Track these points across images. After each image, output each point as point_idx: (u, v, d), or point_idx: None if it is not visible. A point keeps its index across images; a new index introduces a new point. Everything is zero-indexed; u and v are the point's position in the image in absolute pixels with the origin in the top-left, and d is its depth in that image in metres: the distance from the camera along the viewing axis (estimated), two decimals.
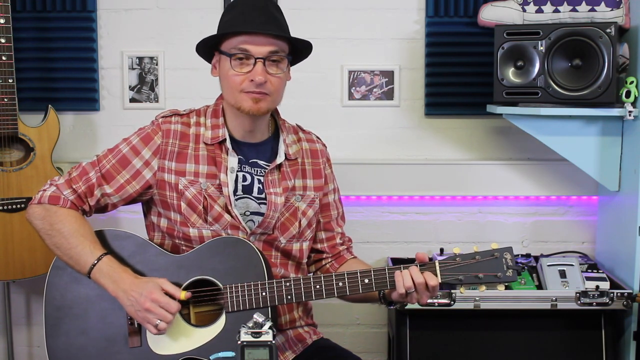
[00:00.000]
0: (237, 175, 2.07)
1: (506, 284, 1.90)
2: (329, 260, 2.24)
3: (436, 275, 1.89)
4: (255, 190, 2.09)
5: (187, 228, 2.05)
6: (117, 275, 1.94)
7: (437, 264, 1.90)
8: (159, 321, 1.88)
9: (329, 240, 2.24)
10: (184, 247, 2.07)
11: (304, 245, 2.16)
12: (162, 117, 2.11)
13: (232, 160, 2.07)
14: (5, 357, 3.10)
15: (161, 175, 2.06)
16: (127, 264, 1.99)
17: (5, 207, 2.79)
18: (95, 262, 1.95)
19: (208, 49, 2.09)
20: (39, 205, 2.05)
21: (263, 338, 1.67)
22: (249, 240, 2.01)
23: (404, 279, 1.90)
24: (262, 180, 2.09)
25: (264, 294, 1.93)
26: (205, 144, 2.07)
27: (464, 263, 1.90)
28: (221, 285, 1.95)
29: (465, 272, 1.89)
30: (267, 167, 2.10)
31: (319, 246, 2.23)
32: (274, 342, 1.67)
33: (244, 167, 2.09)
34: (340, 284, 1.94)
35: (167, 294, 1.91)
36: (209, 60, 2.13)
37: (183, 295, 1.92)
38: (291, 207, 2.12)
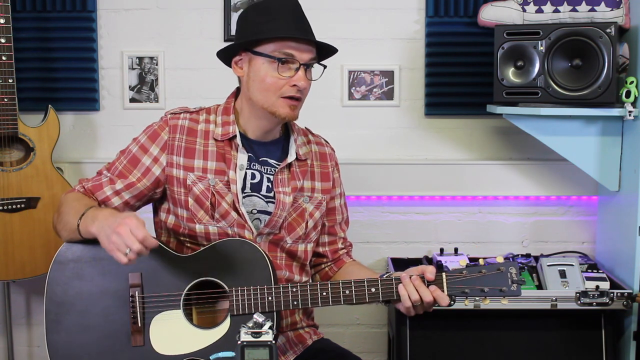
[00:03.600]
0: (245, 173, 2.08)
1: (510, 297, 1.91)
2: (329, 264, 2.25)
3: (442, 289, 1.89)
4: (264, 188, 2.09)
5: (194, 224, 2.05)
6: (100, 213, 1.90)
7: (444, 276, 1.91)
8: (128, 250, 1.77)
9: (331, 244, 2.24)
10: (188, 244, 2.08)
11: (309, 246, 2.16)
12: (171, 113, 2.12)
13: (242, 158, 2.07)
14: (5, 357, 3.10)
15: (170, 171, 2.07)
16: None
17: (5, 207, 2.79)
18: (84, 212, 1.93)
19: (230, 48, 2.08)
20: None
21: (263, 338, 1.67)
22: (256, 243, 2.01)
23: (410, 294, 1.88)
24: (272, 179, 2.09)
25: (270, 298, 1.93)
26: (215, 140, 2.08)
27: (470, 277, 1.90)
28: (227, 288, 1.95)
29: (471, 285, 1.90)
30: (277, 166, 2.10)
31: (320, 250, 2.23)
32: (274, 342, 1.67)
33: (253, 165, 2.09)
34: (347, 292, 1.93)
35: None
36: (226, 61, 2.11)
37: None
38: (299, 207, 2.12)
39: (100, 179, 2.10)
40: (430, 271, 1.90)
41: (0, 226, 2.79)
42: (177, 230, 2.10)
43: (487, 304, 1.91)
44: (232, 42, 2.10)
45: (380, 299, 1.93)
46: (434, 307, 1.93)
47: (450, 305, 1.90)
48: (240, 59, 2.07)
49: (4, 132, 2.75)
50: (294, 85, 1.99)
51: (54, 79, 3.05)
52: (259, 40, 2.01)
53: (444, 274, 1.91)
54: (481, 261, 1.93)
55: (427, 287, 1.89)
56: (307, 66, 2.02)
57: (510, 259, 2.91)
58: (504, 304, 1.92)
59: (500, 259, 1.92)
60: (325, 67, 2.08)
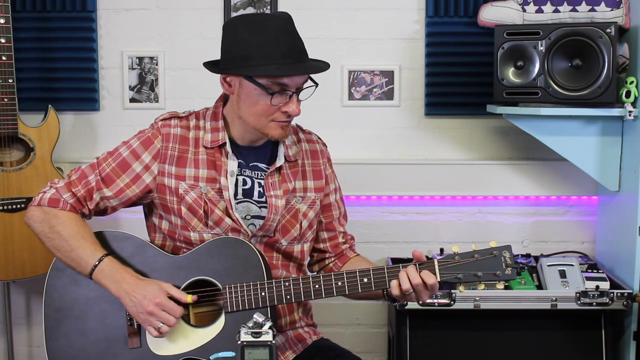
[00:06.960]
0: (237, 179, 2.07)
1: (505, 282, 1.90)
2: (332, 259, 2.24)
3: (435, 274, 1.89)
4: (256, 194, 2.08)
5: (188, 232, 2.05)
6: (119, 275, 1.94)
7: (436, 262, 1.90)
8: (161, 324, 1.89)
9: (331, 240, 2.23)
10: (184, 250, 2.07)
11: (305, 246, 2.16)
12: (162, 120, 2.09)
13: (232, 164, 2.06)
14: (5, 357, 3.10)
15: (161, 180, 2.06)
16: (126, 264, 1.99)
17: (5, 207, 2.79)
18: (97, 263, 1.95)
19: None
20: (38, 208, 2.04)
21: (263, 338, 1.67)
22: (248, 241, 2.01)
23: (401, 281, 1.89)
24: (263, 184, 2.09)
25: (263, 294, 1.93)
26: (205, 147, 2.06)
27: (462, 262, 1.90)
28: (220, 286, 1.95)
29: (464, 270, 1.89)
30: (267, 170, 2.10)
31: (321, 246, 2.23)
32: (273, 342, 1.67)
33: (244, 171, 2.08)
34: (339, 283, 1.94)
35: (172, 298, 1.91)
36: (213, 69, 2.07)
37: (190, 298, 1.93)
38: (292, 209, 2.11)
39: (88, 183, 2.04)
40: (420, 252, 1.92)
41: (0, 226, 2.79)
42: (172, 235, 2.09)
43: (483, 289, 1.91)
44: (220, 59, 2.03)
45: (373, 288, 1.93)
46: (434, 305, 1.92)
47: (440, 284, 1.89)
48: (233, 80, 2.01)
49: (4, 132, 2.76)
50: (286, 111, 1.97)
51: (54, 79, 3.05)
52: (246, 65, 1.94)
53: (435, 260, 1.90)
54: (474, 246, 1.91)
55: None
56: (300, 89, 2.00)
57: None
58: (500, 289, 1.91)
59: (493, 244, 1.91)
60: (317, 85, 2.03)
